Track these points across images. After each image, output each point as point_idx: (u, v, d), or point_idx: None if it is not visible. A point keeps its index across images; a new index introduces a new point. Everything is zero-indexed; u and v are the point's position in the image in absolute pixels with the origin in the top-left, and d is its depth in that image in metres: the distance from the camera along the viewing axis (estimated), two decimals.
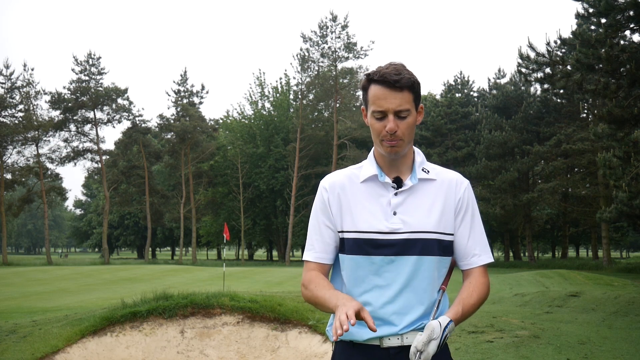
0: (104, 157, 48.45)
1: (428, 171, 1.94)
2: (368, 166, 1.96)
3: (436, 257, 1.87)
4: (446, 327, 1.74)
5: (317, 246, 1.95)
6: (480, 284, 1.93)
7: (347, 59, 43.54)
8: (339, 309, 1.70)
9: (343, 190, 1.94)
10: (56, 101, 45.83)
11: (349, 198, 1.93)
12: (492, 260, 2.02)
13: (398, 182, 1.91)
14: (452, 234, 1.92)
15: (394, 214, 1.88)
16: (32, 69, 55.75)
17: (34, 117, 44.55)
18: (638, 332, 7.65)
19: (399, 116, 1.83)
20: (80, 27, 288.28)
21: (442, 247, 1.89)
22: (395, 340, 1.85)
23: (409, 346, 1.84)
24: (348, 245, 1.90)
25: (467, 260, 1.95)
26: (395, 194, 1.90)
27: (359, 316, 1.69)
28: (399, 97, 1.82)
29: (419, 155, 1.98)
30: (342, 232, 1.92)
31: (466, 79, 47.76)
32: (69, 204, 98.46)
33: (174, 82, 49.73)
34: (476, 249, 1.95)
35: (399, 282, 1.85)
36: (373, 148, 1.99)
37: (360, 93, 44.73)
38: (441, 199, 1.92)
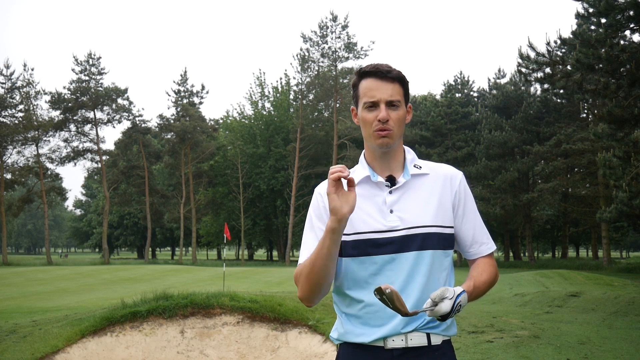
0: (104, 157, 48.43)
1: (420, 167, 1.96)
2: (360, 169, 1.97)
3: (436, 250, 1.87)
4: (459, 295, 1.71)
5: (313, 248, 1.92)
6: (490, 265, 1.96)
7: (347, 59, 43.53)
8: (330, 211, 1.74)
9: None
10: (56, 101, 45.83)
11: None
12: (495, 247, 2.07)
13: (391, 181, 1.92)
14: (452, 227, 1.93)
15: (391, 212, 1.88)
16: (32, 69, 55.70)
17: (34, 117, 44.54)
18: (638, 332, 7.66)
19: (391, 106, 1.87)
20: (80, 27, 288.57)
21: (442, 240, 1.89)
22: (399, 341, 1.84)
23: (413, 348, 1.84)
24: (348, 248, 1.88)
25: (476, 249, 1.98)
26: (390, 192, 1.91)
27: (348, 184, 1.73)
28: (390, 87, 1.87)
29: (410, 153, 2.00)
30: None
31: (466, 79, 47.74)
32: (69, 204, 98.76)
33: (174, 82, 49.87)
34: (483, 237, 1.99)
35: (400, 279, 1.84)
36: (363, 151, 2.01)
37: None
38: (437, 192, 1.93)
